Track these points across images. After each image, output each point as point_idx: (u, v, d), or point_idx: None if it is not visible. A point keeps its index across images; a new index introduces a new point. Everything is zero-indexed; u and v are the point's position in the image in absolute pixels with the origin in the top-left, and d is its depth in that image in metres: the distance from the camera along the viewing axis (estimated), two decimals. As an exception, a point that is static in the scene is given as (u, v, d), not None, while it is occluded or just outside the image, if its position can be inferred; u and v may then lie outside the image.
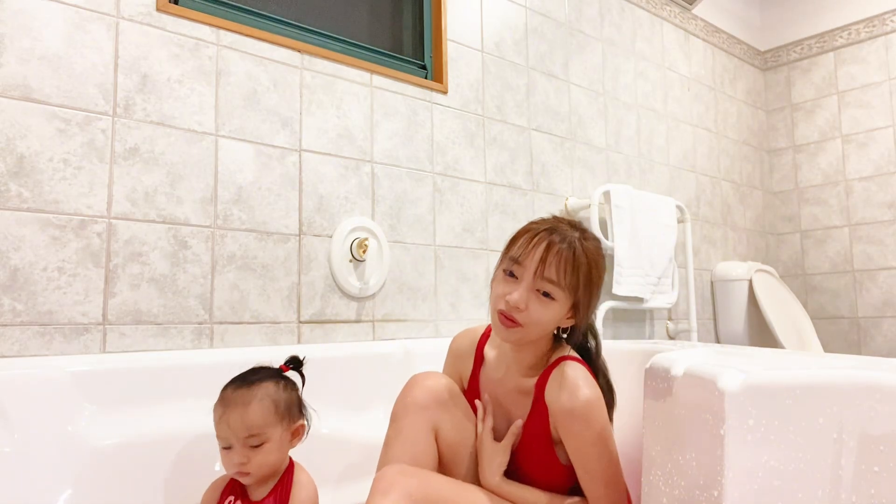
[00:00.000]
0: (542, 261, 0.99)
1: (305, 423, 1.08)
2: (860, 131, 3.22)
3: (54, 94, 1.33)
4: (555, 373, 1.05)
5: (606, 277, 2.42)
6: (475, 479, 1.10)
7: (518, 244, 1.03)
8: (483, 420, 1.13)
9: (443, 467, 1.13)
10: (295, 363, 1.11)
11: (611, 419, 1.08)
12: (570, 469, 1.07)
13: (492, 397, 1.15)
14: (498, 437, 1.11)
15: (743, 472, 0.80)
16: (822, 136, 3.35)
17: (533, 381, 1.09)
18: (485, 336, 1.20)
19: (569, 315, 1.05)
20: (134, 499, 1.18)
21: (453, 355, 1.23)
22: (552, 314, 1.01)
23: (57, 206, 1.32)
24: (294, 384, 1.08)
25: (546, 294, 1.00)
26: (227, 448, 1.00)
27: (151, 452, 1.23)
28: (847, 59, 3.27)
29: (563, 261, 0.99)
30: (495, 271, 1.07)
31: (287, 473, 1.05)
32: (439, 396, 1.12)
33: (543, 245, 1.00)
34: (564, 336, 1.13)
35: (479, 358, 1.18)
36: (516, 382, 1.12)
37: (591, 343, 1.14)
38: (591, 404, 0.99)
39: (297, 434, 1.06)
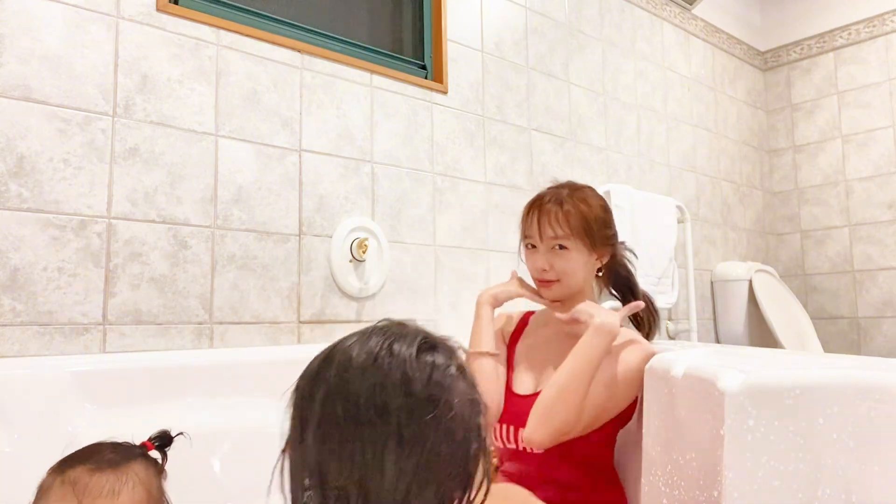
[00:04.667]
0: (541, 225, 1.19)
1: None
2: (860, 131, 3.21)
3: (54, 94, 1.33)
4: None
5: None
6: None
7: (525, 222, 1.24)
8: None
9: None
10: (162, 441, 0.90)
11: (650, 334, 1.28)
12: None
13: (533, 346, 1.29)
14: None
15: (743, 472, 0.80)
16: (822, 137, 3.35)
17: None
18: (529, 314, 1.38)
19: (595, 257, 1.21)
20: (134, 499, 1.18)
21: (505, 315, 1.37)
22: (575, 260, 1.19)
23: (57, 206, 1.32)
24: (161, 466, 0.89)
25: (561, 247, 1.18)
26: None
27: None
28: (847, 59, 3.27)
29: (554, 216, 1.17)
30: (520, 247, 1.27)
31: None
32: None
33: (537, 213, 1.20)
34: (607, 288, 1.32)
35: (523, 324, 1.35)
36: (570, 339, 1.19)
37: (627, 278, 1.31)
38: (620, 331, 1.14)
39: None
